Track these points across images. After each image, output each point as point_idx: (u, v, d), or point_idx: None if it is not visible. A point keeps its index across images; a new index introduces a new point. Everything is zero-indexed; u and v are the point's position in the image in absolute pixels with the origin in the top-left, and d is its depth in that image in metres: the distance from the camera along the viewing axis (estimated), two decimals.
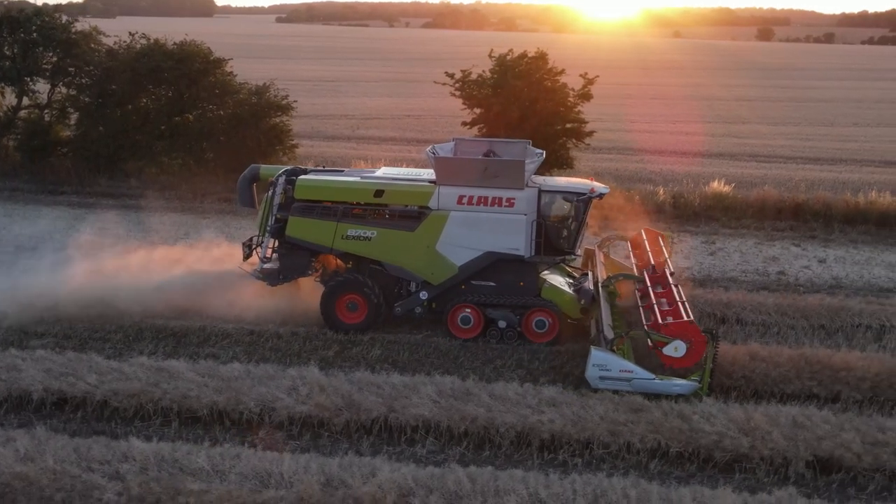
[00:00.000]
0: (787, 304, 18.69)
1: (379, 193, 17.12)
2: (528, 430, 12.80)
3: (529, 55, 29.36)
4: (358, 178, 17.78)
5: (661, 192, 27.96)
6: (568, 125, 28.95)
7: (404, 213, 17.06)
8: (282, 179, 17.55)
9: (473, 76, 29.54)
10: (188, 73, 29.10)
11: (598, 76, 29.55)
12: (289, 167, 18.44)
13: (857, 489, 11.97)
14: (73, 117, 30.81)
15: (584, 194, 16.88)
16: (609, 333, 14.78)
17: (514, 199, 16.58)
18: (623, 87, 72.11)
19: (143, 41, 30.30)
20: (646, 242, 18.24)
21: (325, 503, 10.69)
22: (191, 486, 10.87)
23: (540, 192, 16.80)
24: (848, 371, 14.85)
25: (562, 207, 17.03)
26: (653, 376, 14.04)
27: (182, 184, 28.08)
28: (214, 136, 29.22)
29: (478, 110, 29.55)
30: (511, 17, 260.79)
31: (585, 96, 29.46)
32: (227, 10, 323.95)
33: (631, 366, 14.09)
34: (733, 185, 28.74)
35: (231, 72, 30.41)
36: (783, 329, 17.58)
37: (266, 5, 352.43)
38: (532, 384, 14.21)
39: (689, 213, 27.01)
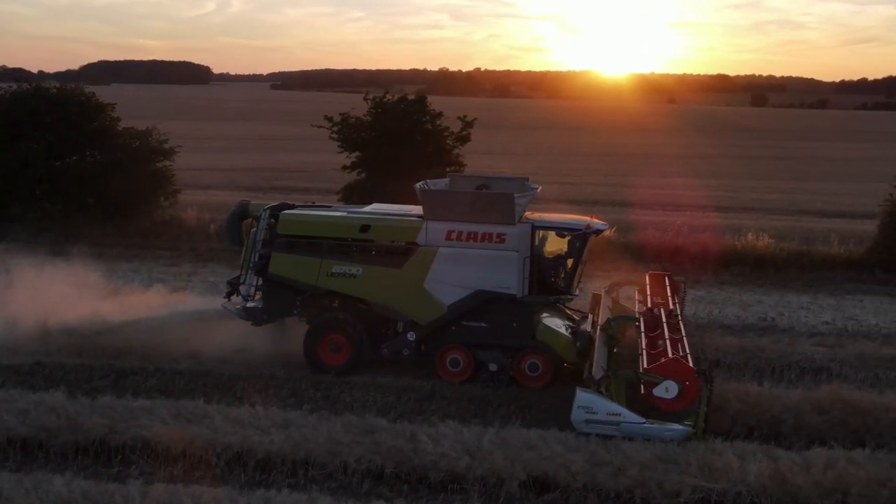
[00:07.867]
0: None
1: (365, 228, 16.37)
2: (245, 451, 12.45)
3: (409, 97, 29.64)
4: (344, 213, 17.21)
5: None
6: (448, 168, 29.00)
7: (391, 250, 16.28)
8: (266, 214, 16.91)
9: (352, 119, 29.73)
10: (66, 116, 29.28)
11: (476, 118, 29.80)
12: (275, 203, 17.58)
13: None
14: None
15: (580, 230, 16.12)
16: (598, 373, 13.80)
17: (504, 234, 15.69)
18: (582, 146, 72.84)
19: (26, 86, 30.59)
20: (667, 287, 17.92)
21: None
22: None
23: (533, 227, 15.98)
24: None
25: (556, 244, 16.39)
26: (643, 420, 13.00)
27: (57, 228, 28.01)
28: (94, 181, 29.25)
29: (356, 154, 29.68)
30: (506, 84, 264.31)
31: (464, 139, 29.65)
32: (225, 78, 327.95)
33: (618, 408, 13.08)
34: (614, 228, 28.55)
35: (116, 117, 30.57)
36: None
37: (265, 73, 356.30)
38: (279, 408, 13.90)
39: None
